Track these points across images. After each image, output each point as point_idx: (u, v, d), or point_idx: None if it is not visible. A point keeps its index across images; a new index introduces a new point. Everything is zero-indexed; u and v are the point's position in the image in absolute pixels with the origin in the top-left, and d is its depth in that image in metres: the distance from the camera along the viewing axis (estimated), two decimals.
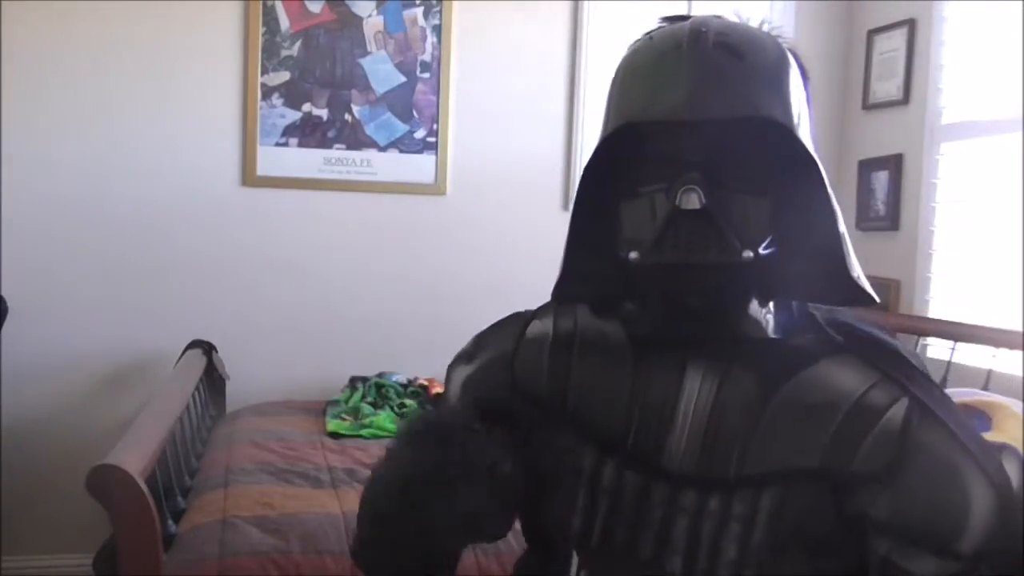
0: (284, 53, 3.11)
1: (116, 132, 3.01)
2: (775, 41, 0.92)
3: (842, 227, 0.90)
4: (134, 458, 1.68)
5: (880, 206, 3.29)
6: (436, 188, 3.24)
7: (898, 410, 0.87)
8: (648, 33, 0.94)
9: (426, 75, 3.22)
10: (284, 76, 3.12)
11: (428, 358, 3.06)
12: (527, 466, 0.96)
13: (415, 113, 3.22)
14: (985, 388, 2.55)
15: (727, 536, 0.88)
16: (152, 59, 3.02)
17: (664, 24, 0.93)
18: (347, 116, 3.17)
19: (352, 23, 3.16)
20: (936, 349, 2.98)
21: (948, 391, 2.40)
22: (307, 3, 3.12)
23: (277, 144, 3.13)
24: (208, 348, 2.94)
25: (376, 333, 3.21)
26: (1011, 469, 1.66)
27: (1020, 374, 2.57)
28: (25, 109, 2.92)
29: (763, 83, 0.87)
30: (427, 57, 3.22)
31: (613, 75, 0.95)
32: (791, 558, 0.87)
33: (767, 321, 0.94)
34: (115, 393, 3.02)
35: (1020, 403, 1.98)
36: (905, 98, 3.21)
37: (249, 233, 3.14)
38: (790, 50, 0.92)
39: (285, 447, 2.51)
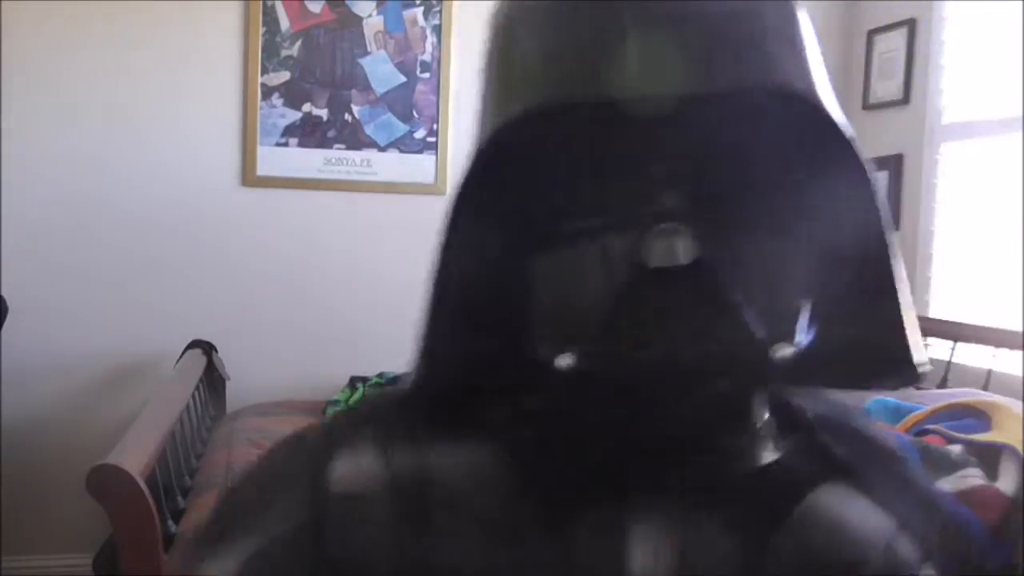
0: (284, 53, 3.11)
1: (115, 132, 3.00)
2: None
3: (895, 253, 0.57)
4: (134, 458, 1.67)
5: None
6: (436, 188, 3.24)
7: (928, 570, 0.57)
8: None
9: (426, 75, 3.22)
10: (284, 76, 3.12)
11: None
12: None
13: (415, 113, 3.22)
14: (985, 388, 2.55)
15: None
16: (152, 59, 3.01)
17: None
18: (347, 116, 3.17)
19: (352, 23, 3.16)
20: (936, 349, 2.98)
21: (948, 391, 2.42)
22: (307, 3, 3.12)
23: (277, 144, 3.13)
24: (208, 348, 2.93)
25: (376, 333, 3.20)
26: (1011, 469, 1.66)
27: (1020, 374, 2.57)
28: (24, 109, 2.92)
29: (763, 33, 0.49)
30: (427, 57, 3.22)
31: (490, 35, 0.61)
32: None
33: (764, 439, 0.57)
34: (115, 393, 3.02)
35: (1020, 403, 1.98)
36: (905, 98, 3.21)
37: (249, 233, 3.13)
38: None
39: None
